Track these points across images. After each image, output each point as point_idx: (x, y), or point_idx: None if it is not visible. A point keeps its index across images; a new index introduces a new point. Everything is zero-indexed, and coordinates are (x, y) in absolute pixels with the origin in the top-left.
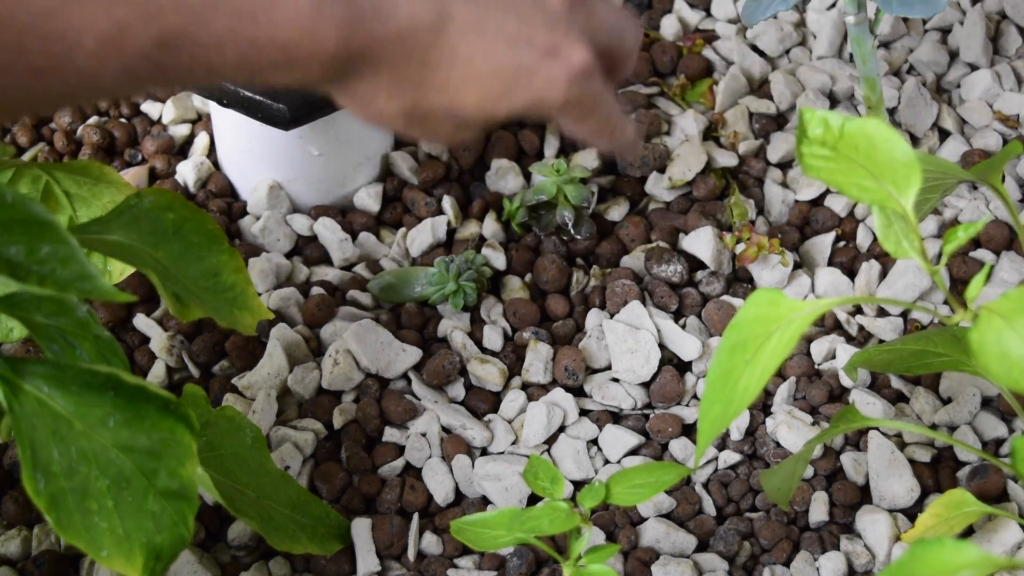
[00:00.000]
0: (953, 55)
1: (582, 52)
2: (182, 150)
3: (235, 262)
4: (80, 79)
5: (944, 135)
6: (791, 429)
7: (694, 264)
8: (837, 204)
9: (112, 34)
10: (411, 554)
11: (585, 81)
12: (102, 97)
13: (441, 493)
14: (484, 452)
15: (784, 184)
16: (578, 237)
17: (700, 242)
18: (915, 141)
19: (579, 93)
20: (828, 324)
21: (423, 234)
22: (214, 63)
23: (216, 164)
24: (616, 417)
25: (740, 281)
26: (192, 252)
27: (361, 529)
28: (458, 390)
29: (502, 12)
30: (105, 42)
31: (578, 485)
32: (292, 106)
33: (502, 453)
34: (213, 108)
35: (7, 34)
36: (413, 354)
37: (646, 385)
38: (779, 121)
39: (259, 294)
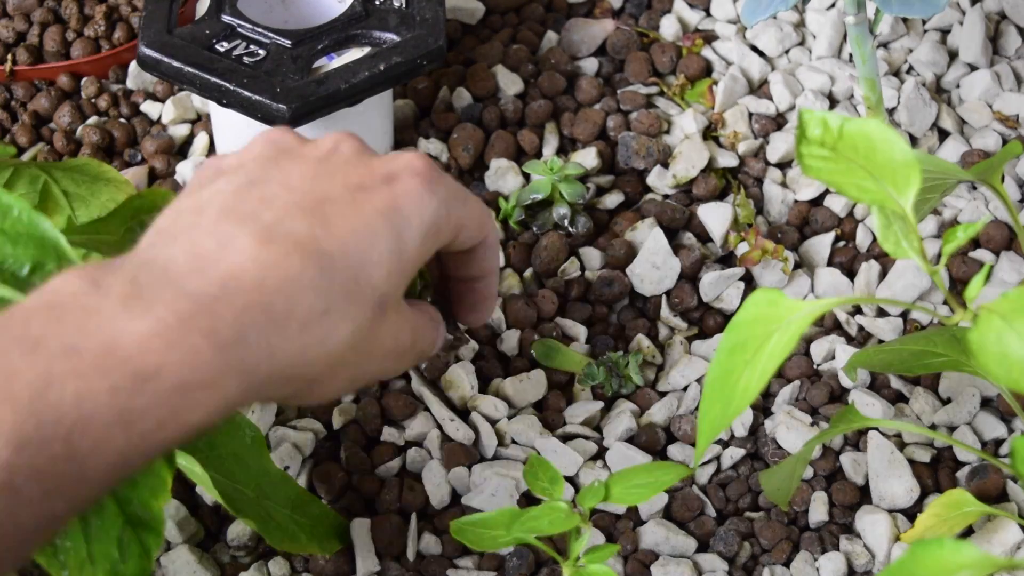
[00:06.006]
0: (952, 55)
1: (412, 156)
2: (182, 150)
3: None
4: None
5: (943, 135)
6: (790, 429)
7: (701, 236)
8: (837, 204)
9: None
10: (410, 554)
11: (439, 173)
12: (22, 547)
13: (437, 497)
14: (482, 458)
15: (783, 184)
16: (574, 232)
17: (717, 216)
18: (914, 141)
19: (444, 188)
20: (828, 324)
21: None
22: (95, 433)
23: None
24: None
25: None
26: None
27: (360, 529)
28: None
29: (324, 184)
30: None
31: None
32: (291, 106)
33: (494, 458)
34: (213, 108)
35: None
36: None
37: None
38: (778, 121)
39: None
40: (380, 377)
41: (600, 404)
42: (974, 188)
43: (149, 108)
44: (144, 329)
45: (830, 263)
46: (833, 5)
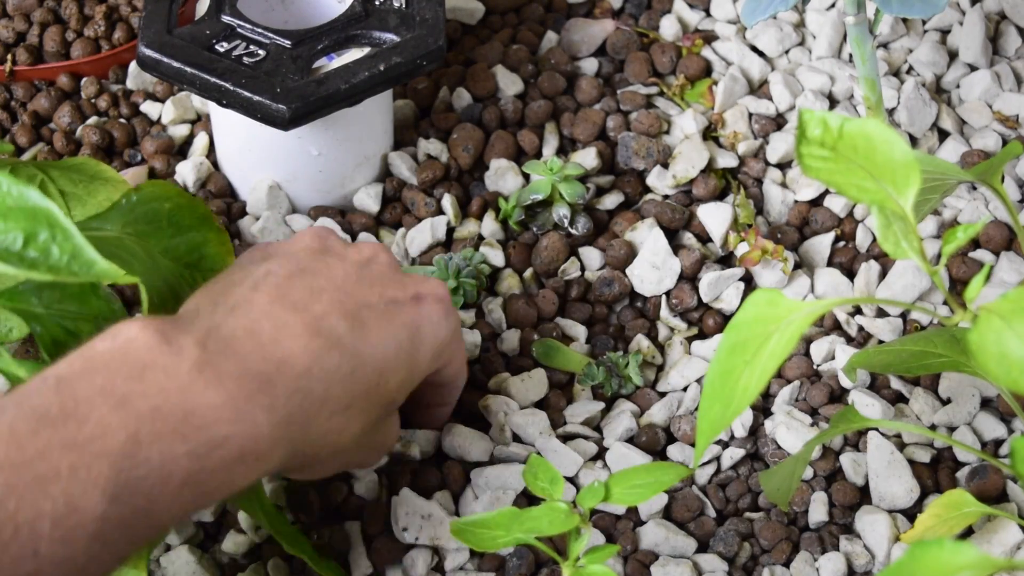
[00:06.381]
0: (952, 55)
1: (437, 284)
2: (181, 150)
3: (221, 237)
4: (58, 569)
5: (943, 135)
6: (790, 430)
7: (701, 236)
8: (836, 204)
9: (61, 511)
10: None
11: (453, 308)
12: None
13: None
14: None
15: (783, 184)
16: (575, 232)
17: (717, 216)
18: (914, 141)
19: (455, 320)
20: (827, 324)
21: (422, 234)
22: (170, 491)
23: (215, 164)
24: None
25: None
26: (181, 234)
27: (352, 531)
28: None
29: (364, 290)
30: (60, 522)
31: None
32: (291, 106)
33: (491, 456)
34: (212, 108)
35: None
36: None
37: None
38: (778, 121)
39: None
40: (359, 467)
41: (601, 405)
42: (974, 188)
43: (149, 108)
44: (218, 401)
45: (830, 263)
46: (833, 5)
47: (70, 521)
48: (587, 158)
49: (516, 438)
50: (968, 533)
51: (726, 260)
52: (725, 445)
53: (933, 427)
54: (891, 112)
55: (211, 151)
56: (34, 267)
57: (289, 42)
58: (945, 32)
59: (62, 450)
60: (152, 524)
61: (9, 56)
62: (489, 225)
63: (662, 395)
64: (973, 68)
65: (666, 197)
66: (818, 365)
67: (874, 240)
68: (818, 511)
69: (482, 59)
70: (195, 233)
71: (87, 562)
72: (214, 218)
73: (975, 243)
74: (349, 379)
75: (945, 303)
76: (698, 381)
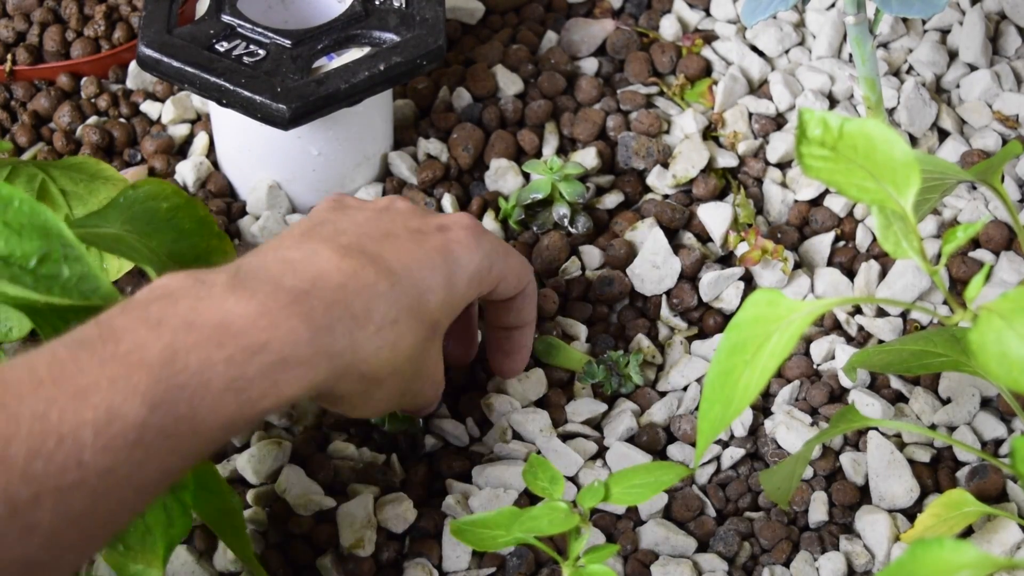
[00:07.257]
0: (952, 55)
1: (462, 214)
2: (181, 150)
3: (224, 245)
4: (102, 480)
5: (943, 135)
6: (790, 429)
7: (701, 235)
8: (836, 204)
9: (103, 419)
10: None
11: (484, 230)
12: (143, 498)
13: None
14: (480, 458)
15: (783, 184)
16: (575, 231)
17: (717, 216)
18: (914, 141)
19: (488, 242)
20: (827, 324)
21: None
22: (212, 397)
23: (215, 164)
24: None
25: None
26: (184, 239)
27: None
28: None
29: (386, 224)
30: (102, 430)
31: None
32: (291, 106)
33: (491, 455)
34: (212, 108)
35: (16, 465)
36: None
37: None
38: (778, 121)
39: None
40: (412, 403)
41: (604, 407)
42: (974, 188)
43: (149, 108)
44: (251, 311)
45: (830, 263)
46: (833, 5)
47: (112, 429)
48: (587, 158)
49: (516, 436)
50: (968, 533)
51: (726, 260)
52: (725, 445)
53: (933, 427)
54: (891, 112)
55: (211, 151)
56: (50, 290)
57: (289, 42)
58: (945, 32)
59: (101, 365)
60: (196, 432)
61: (9, 56)
62: (489, 224)
63: (662, 394)
64: (973, 68)
65: (666, 197)
66: (818, 365)
67: (874, 240)
68: (818, 511)
69: (482, 59)
70: (198, 239)
71: (131, 471)
72: (214, 221)
73: (975, 243)
74: (389, 295)
75: (945, 303)
76: (698, 380)
